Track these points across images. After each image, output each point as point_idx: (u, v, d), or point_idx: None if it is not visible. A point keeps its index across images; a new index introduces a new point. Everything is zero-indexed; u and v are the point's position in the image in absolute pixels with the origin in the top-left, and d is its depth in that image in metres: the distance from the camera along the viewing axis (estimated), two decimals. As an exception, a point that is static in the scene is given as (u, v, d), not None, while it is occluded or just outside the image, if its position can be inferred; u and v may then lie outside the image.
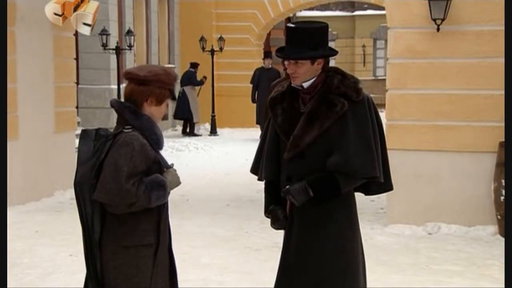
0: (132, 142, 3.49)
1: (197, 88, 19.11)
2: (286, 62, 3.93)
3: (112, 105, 3.66)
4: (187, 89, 18.75)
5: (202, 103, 19.08)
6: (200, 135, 18.76)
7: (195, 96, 19.03)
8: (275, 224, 4.05)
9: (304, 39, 3.82)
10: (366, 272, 4.05)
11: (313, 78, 3.87)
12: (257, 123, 17.55)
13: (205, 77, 18.95)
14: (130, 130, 3.54)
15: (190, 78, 18.85)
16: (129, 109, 3.61)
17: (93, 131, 3.60)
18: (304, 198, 3.82)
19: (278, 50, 3.95)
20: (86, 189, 3.51)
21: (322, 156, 3.82)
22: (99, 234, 3.54)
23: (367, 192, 4.09)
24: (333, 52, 3.93)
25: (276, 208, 4.01)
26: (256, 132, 17.35)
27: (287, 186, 3.87)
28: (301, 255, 3.90)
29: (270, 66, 17.63)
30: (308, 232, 3.90)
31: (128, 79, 3.65)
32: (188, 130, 19.00)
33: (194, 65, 19.07)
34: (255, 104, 17.73)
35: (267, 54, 17.95)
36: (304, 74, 3.85)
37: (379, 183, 3.96)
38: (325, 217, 3.89)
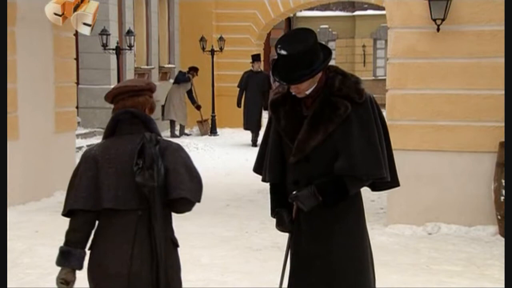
0: (182, 148, 3.72)
1: (181, 87, 18.38)
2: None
3: (137, 115, 3.68)
4: (172, 87, 18.48)
5: (202, 103, 19.05)
6: (179, 136, 18.03)
7: (176, 95, 18.26)
8: (281, 227, 4.04)
9: (299, 62, 3.76)
10: (375, 271, 4.06)
11: (315, 84, 3.87)
12: (246, 128, 17.20)
13: (199, 106, 18.61)
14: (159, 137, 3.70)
15: (176, 76, 18.66)
16: (150, 118, 3.74)
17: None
18: (313, 203, 3.82)
19: (274, 70, 3.89)
20: (147, 192, 3.53)
21: (328, 159, 3.82)
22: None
23: (374, 188, 4.10)
24: (328, 58, 3.88)
25: (282, 211, 4.00)
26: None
27: (294, 192, 3.86)
28: (311, 259, 3.90)
29: (260, 70, 17.21)
30: (317, 235, 3.90)
31: (127, 92, 3.71)
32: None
33: (191, 68, 18.69)
34: (249, 108, 17.00)
35: (255, 57, 17.40)
36: (307, 88, 3.85)
37: (394, 180, 3.99)
38: (333, 219, 3.89)
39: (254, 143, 16.78)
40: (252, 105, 16.78)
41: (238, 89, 17.18)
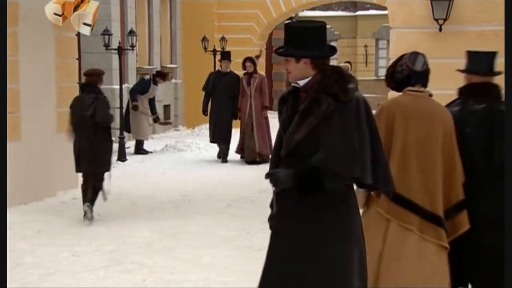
0: (103, 99, 8.68)
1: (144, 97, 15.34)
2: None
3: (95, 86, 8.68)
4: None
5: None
6: (146, 153, 15.24)
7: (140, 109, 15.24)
8: (269, 221, 4.10)
9: (292, 37, 3.90)
10: (366, 271, 4.03)
11: (307, 77, 3.91)
12: (213, 141, 14.32)
13: (157, 118, 15.61)
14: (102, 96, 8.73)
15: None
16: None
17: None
18: (286, 185, 3.85)
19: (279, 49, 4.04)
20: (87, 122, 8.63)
21: (312, 154, 3.83)
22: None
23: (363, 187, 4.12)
24: (315, 54, 3.88)
25: (272, 203, 4.09)
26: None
27: (274, 170, 3.94)
28: (291, 248, 3.91)
29: (228, 70, 14.15)
30: (296, 226, 3.92)
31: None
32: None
33: (158, 74, 15.95)
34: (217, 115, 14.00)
35: (224, 56, 14.64)
36: (293, 71, 3.92)
37: (386, 184, 3.99)
38: (321, 209, 3.89)
39: (223, 158, 14.00)
40: (220, 112, 13.89)
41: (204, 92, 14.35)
